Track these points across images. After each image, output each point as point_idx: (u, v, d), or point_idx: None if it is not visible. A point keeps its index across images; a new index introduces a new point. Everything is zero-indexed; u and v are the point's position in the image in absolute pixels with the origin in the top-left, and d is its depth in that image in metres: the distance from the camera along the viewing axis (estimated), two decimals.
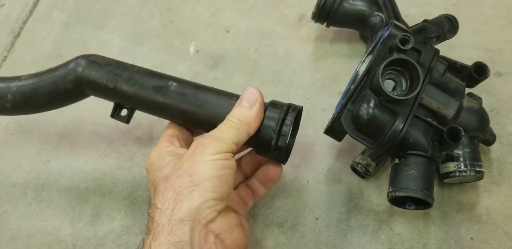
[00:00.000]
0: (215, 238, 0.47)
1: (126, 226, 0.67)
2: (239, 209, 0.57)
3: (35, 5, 0.99)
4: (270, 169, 0.58)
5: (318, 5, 0.70)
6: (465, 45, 0.73)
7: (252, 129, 0.51)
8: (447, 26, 0.64)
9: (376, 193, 0.64)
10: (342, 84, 0.74)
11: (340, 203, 0.64)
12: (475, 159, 0.56)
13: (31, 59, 0.90)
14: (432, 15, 0.68)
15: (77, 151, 0.76)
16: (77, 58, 0.58)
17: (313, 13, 0.72)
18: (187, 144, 0.55)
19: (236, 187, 0.59)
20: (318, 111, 0.72)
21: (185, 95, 0.54)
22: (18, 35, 0.94)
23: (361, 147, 0.65)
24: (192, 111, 0.54)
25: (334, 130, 0.59)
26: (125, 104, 0.58)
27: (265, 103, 0.53)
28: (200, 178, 0.46)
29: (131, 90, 0.55)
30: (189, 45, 0.85)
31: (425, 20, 0.65)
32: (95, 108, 0.79)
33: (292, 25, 0.83)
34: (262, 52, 0.81)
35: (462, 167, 0.56)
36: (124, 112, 0.59)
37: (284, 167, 0.67)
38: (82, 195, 0.71)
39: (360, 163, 0.62)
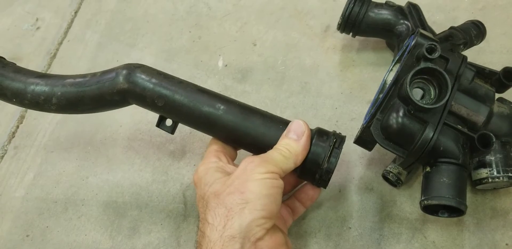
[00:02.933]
0: None
1: (163, 239, 0.69)
2: (281, 227, 0.57)
3: (69, 26, 1.03)
4: (310, 188, 0.61)
5: (343, 15, 0.71)
6: (494, 50, 0.73)
7: (299, 160, 0.53)
8: (474, 32, 0.64)
9: (409, 201, 0.63)
10: (370, 93, 0.74)
11: (373, 212, 0.64)
12: (507, 164, 0.56)
13: None
14: (459, 20, 0.68)
15: (114, 166, 0.78)
16: (123, 68, 0.59)
17: (338, 23, 0.73)
18: (232, 159, 0.58)
19: None
20: (347, 121, 0.73)
21: (233, 120, 0.55)
22: (54, 56, 0.98)
23: (392, 155, 0.65)
24: (239, 135, 0.56)
25: (364, 140, 0.59)
26: (172, 119, 0.59)
27: (311, 130, 0.56)
28: (251, 195, 0.47)
29: (179, 111, 0.56)
30: (217, 59, 0.87)
31: (451, 27, 0.65)
32: (130, 125, 0.82)
33: (318, 36, 0.84)
34: (289, 63, 0.82)
35: (495, 173, 0.56)
36: (169, 122, 0.60)
37: None
38: (119, 209, 0.73)
39: (391, 172, 0.62)
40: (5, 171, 0.83)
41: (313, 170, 0.54)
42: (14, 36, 1.05)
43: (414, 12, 0.69)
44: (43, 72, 0.64)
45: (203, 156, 0.60)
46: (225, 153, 0.57)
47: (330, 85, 0.77)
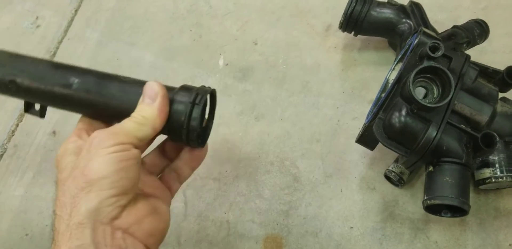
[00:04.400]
0: (123, 233, 0.44)
1: None
2: (160, 195, 0.53)
3: (69, 25, 1.02)
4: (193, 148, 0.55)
5: (345, 14, 0.71)
6: (496, 49, 0.73)
7: (158, 124, 0.47)
8: (477, 31, 0.64)
9: (411, 201, 0.63)
10: (372, 92, 0.74)
11: (375, 211, 0.64)
12: (511, 164, 0.56)
13: None
14: (461, 20, 0.68)
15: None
16: None
17: (340, 22, 0.73)
18: None
19: (160, 172, 0.56)
20: (349, 120, 0.72)
21: (89, 92, 0.50)
22: (54, 54, 0.98)
23: (394, 155, 0.65)
24: (99, 108, 0.51)
25: (366, 139, 0.59)
26: (33, 102, 0.55)
27: (174, 89, 0.51)
28: (95, 176, 0.43)
29: (34, 92, 0.52)
30: (218, 58, 0.86)
31: (454, 26, 0.65)
32: None
33: (319, 35, 0.83)
34: (290, 63, 0.82)
35: (498, 173, 0.55)
36: (37, 106, 0.56)
37: (316, 175, 0.68)
38: None
39: (393, 171, 0.62)
40: (4, 170, 0.83)
41: (179, 131, 0.49)
42: (14, 34, 1.04)
43: (416, 11, 0.69)
44: None
45: None
46: (89, 130, 0.51)
47: (332, 84, 0.77)
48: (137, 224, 0.45)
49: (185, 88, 0.50)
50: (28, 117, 0.89)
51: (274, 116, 0.76)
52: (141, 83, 0.50)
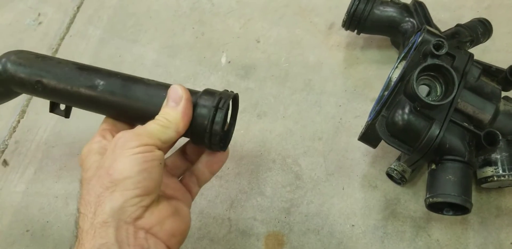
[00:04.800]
0: (146, 233, 0.45)
1: None
2: (181, 197, 0.54)
3: (71, 22, 1.02)
4: (215, 152, 0.55)
5: (348, 12, 0.71)
6: (499, 48, 0.73)
7: (181, 127, 0.48)
8: (480, 30, 0.64)
9: (413, 199, 0.63)
10: (374, 91, 0.74)
11: (376, 209, 0.64)
12: None
13: None
14: (464, 19, 0.68)
15: None
16: (1, 57, 0.56)
17: (343, 20, 0.73)
18: None
19: (181, 175, 0.57)
20: (351, 118, 0.72)
21: (114, 94, 0.52)
22: (56, 51, 0.98)
23: (396, 153, 0.65)
24: (124, 109, 0.52)
25: (368, 137, 0.59)
26: (58, 102, 0.57)
27: (197, 92, 0.51)
28: (120, 176, 0.44)
29: (59, 93, 0.54)
30: (220, 56, 0.86)
31: (458, 25, 0.65)
32: None
33: (322, 33, 0.83)
34: (293, 61, 0.82)
35: (500, 171, 0.55)
36: (62, 106, 0.58)
37: (318, 174, 0.68)
38: None
39: (395, 169, 0.62)
40: (5, 166, 0.83)
41: (201, 134, 0.49)
42: (16, 31, 1.04)
43: (419, 10, 0.69)
44: None
45: None
46: (112, 130, 0.53)
47: (334, 82, 0.77)
48: (159, 225, 0.46)
49: (208, 92, 0.50)
50: (30, 113, 0.89)
51: (276, 114, 0.76)
52: (164, 86, 0.51)
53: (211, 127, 0.48)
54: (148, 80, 0.53)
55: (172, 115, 0.48)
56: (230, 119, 0.55)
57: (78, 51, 0.96)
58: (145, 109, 0.51)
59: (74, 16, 1.03)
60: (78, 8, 1.04)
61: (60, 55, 0.97)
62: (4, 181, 0.81)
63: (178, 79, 0.85)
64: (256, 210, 0.68)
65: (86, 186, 0.45)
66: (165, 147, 0.48)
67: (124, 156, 0.44)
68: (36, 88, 0.54)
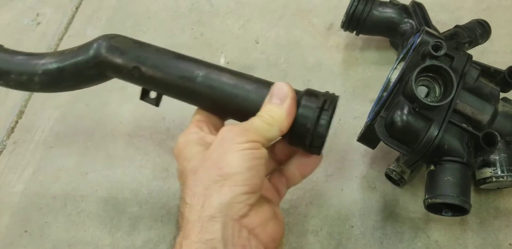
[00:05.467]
0: (248, 233, 0.44)
1: (162, 235, 0.68)
2: (271, 198, 0.52)
3: (70, 22, 1.02)
4: (309, 155, 0.53)
5: (347, 13, 0.71)
6: (497, 50, 0.73)
7: (284, 126, 0.47)
8: (479, 31, 0.64)
9: (412, 200, 0.63)
10: (373, 91, 0.74)
11: (375, 210, 0.64)
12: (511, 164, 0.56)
13: None
14: (463, 20, 0.68)
15: (114, 162, 0.78)
16: (97, 39, 0.56)
17: (342, 21, 0.73)
18: (217, 130, 0.49)
19: (267, 175, 0.55)
20: (350, 119, 0.72)
21: (213, 87, 0.50)
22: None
23: (395, 154, 0.65)
24: (221, 103, 0.51)
25: (367, 138, 0.59)
26: (152, 90, 0.55)
27: (299, 92, 0.50)
28: (230, 170, 0.43)
29: (157, 81, 0.52)
30: (219, 57, 0.86)
31: (456, 26, 0.65)
32: (130, 121, 0.81)
33: (321, 34, 0.84)
34: (291, 61, 0.82)
35: (499, 172, 0.55)
36: (153, 95, 0.56)
37: (317, 174, 0.68)
38: (119, 205, 0.73)
39: (394, 170, 0.62)
40: (3, 166, 0.83)
41: (303, 135, 0.48)
42: (14, 31, 1.04)
43: (418, 11, 0.69)
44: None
45: None
46: (208, 122, 0.51)
47: (333, 83, 0.77)
48: (262, 226, 0.45)
49: (311, 93, 0.49)
50: (28, 114, 0.89)
51: None
52: (265, 83, 0.50)
53: (314, 129, 0.47)
54: (248, 75, 0.52)
55: (277, 112, 0.46)
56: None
57: None
58: (243, 105, 0.49)
59: (73, 17, 1.03)
60: (77, 8, 1.04)
61: None
62: (2, 181, 0.81)
63: None
64: None
65: (192, 177, 0.44)
66: (268, 144, 0.47)
67: (234, 150, 0.43)
68: (133, 74, 0.53)
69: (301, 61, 0.81)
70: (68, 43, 0.98)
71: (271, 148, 0.54)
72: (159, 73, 0.52)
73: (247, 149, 0.44)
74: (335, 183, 0.67)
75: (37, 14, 1.06)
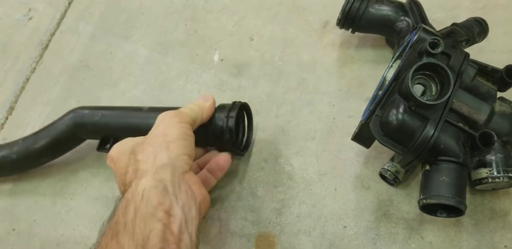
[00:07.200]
0: (189, 188, 0.52)
1: None
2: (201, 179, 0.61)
3: (62, 17, 1.01)
4: (221, 157, 0.66)
5: (343, 11, 0.70)
6: (494, 49, 0.72)
7: (205, 114, 0.61)
8: (476, 29, 0.63)
9: (406, 200, 0.62)
10: (368, 90, 0.73)
11: (369, 211, 0.63)
12: (508, 164, 0.55)
13: (59, 70, 0.92)
14: (460, 19, 0.67)
15: (104, 159, 0.76)
16: (68, 113, 0.70)
17: (338, 19, 0.72)
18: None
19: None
20: (345, 118, 0.71)
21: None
22: (46, 47, 0.96)
23: (389, 153, 0.64)
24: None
25: (362, 136, 0.58)
26: (109, 135, 0.69)
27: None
28: (173, 138, 0.54)
29: (112, 120, 0.68)
30: (213, 54, 0.85)
31: (454, 24, 0.64)
32: None
33: (316, 32, 0.82)
34: (286, 59, 0.81)
35: (495, 173, 0.55)
36: (107, 146, 0.68)
37: (310, 174, 0.67)
38: (109, 204, 0.72)
39: (389, 170, 0.61)
40: None
41: (219, 137, 0.63)
42: (6, 26, 1.03)
43: (415, 9, 0.68)
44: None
45: None
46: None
47: (328, 81, 0.76)
48: (197, 185, 0.54)
49: (223, 105, 0.65)
50: (18, 110, 0.88)
51: (269, 113, 0.75)
52: (160, 110, 0.62)
53: (227, 124, 0.62)
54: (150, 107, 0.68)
55: (203, 104, 0.62)
56: (248, 125, 0.71)
57: (68, 47, 0.95)
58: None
59: (65, 12, 1.01)
60: (70, 3, 1.03)
61: (51, 51, 0.96)
62: None
63: (169, 77, 0.84)
64: (247, 210, 0.67)
65: (140, 146, 0.54)
66: (194, 126, 0.59)
67: (173, 126, 0.55)
68: (97, 121, 0.68)
69: (295, 59, 0.80)
70: (60, 39, 0.97)
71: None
72: (114, 116, 0.69)
73: (184, 127, 0.56)
74: (329, 183, 0.66)
75: (29, 9, 1.04)
